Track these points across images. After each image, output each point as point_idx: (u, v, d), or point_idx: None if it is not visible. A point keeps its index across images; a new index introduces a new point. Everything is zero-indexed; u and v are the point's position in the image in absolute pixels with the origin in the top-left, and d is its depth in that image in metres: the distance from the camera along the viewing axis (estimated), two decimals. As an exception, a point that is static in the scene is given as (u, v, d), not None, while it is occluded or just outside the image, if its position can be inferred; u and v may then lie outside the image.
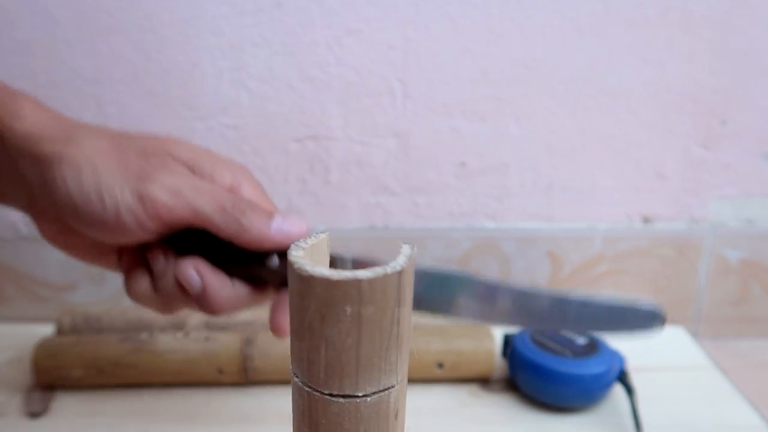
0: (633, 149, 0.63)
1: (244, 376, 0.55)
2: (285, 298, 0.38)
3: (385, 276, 0.22)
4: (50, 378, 0.53)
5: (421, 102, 0.60)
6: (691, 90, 0.61)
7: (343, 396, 0.23)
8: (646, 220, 0.66)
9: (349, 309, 0.22)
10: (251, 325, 0.57)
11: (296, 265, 0.22)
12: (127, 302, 0.64)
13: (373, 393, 0.24)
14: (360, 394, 0.24)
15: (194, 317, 0.57)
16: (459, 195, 0.64)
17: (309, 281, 0.22)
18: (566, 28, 0.59)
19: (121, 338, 0.54)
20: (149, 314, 0.57)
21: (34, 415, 0.51)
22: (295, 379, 0.25)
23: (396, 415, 0.25)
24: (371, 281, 0.22)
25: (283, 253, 0.36)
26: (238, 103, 0.60)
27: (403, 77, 0.60)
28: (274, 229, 0.36)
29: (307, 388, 0.24)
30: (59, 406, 0.53)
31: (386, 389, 0.24)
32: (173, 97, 0.59)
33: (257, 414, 0.53)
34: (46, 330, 0.58)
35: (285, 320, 0.38)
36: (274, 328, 0.38)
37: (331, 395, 0.24)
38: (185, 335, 0.55)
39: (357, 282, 0.22)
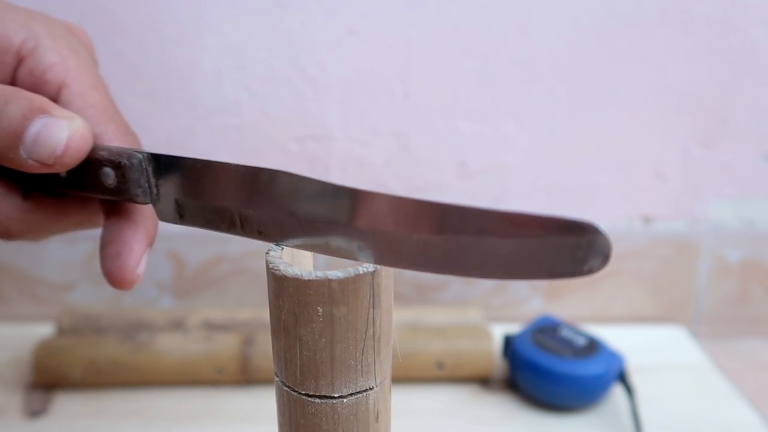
0: (633, 149, 0.63)
1: (244, 376, 0.55)
2: (119, 229, 0.29)
3: (357, 276, 0.22)
4: (50, 378, 0.54)
5: (421, 102, 0.60)
6: (691, 90, 0.61)
7: (319, 396, 0.23)
8: (646, 220, 0.66)
9: (320, 309, 0.22)
10: (251, 325, 0.57)
11: (271, 265, 0.23)
12: (127, 302, 0.65)
13: (350, 394, 0.24)
14: (336, 395, 0.23)
15: (194, 317, 0.57)
16: (459, 195, 0.64)
17: (282, 281, 0.22)
18: (566, 28, 0.59)
19: (121, 338, 0.54)
20: (149, 314, 0.57)
21: (34, 414, 0.52)
22: (276, 378, 0.25)
23: (377, 418, 0.25)
24: (342, 281, 0.22)
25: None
26: (238, 103, 0.60)
27: (403, 77, 0.60)
28: (26, 148, 0.25)
29: (285, 388, 0.24)
30: (59, 406, 0.53)
31: (364, 391, 0.24)
32: (173, 97, 0.59)
33: (257, 414, 0.53)
34: (46, 330, 0.58)
35: (118, 260, 0.28)
36: (104, 272, 0.29)
37: (307, 395, 0.24)
38: (185, 335, 0.55)
39: (327, 282, 0.22)
